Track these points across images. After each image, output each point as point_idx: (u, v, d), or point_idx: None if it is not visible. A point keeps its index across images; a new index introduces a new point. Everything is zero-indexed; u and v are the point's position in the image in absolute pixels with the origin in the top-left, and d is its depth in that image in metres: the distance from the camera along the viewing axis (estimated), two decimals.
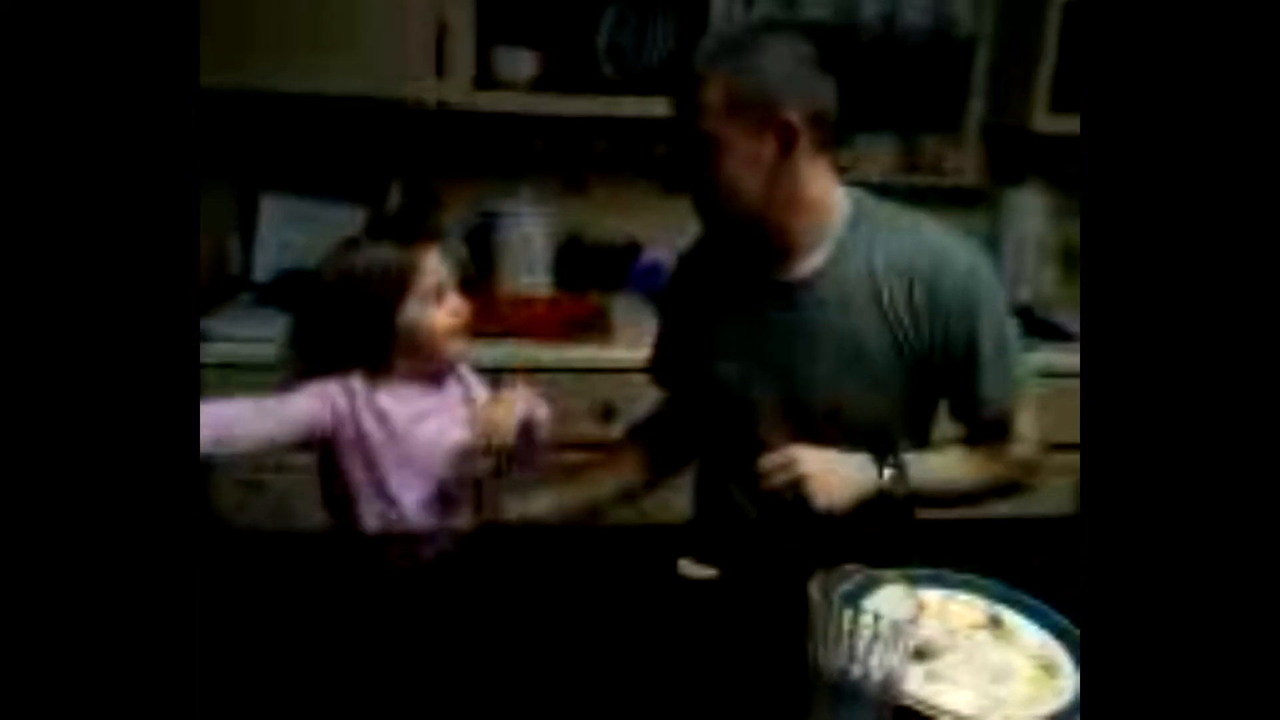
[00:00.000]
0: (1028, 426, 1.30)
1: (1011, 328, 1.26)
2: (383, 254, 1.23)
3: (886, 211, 1.26)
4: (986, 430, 1.28)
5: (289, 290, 2.02)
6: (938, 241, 1.22)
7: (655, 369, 1.48)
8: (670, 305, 1.46)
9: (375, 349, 1.23)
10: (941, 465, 1.26)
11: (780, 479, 1.14)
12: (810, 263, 1.23)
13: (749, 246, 1.26)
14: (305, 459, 1.33)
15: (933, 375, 1.25)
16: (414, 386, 1.27)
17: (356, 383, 1.24)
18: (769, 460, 1.16)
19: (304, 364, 1.25)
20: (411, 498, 1.25)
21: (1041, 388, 1.89)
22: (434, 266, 1.25)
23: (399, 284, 1.22)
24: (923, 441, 1.33)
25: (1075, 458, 2.23)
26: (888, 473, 1.18)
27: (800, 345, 1.25)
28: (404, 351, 1.24)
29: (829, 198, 1.23)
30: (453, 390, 1.32)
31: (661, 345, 1.47)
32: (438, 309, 1.24)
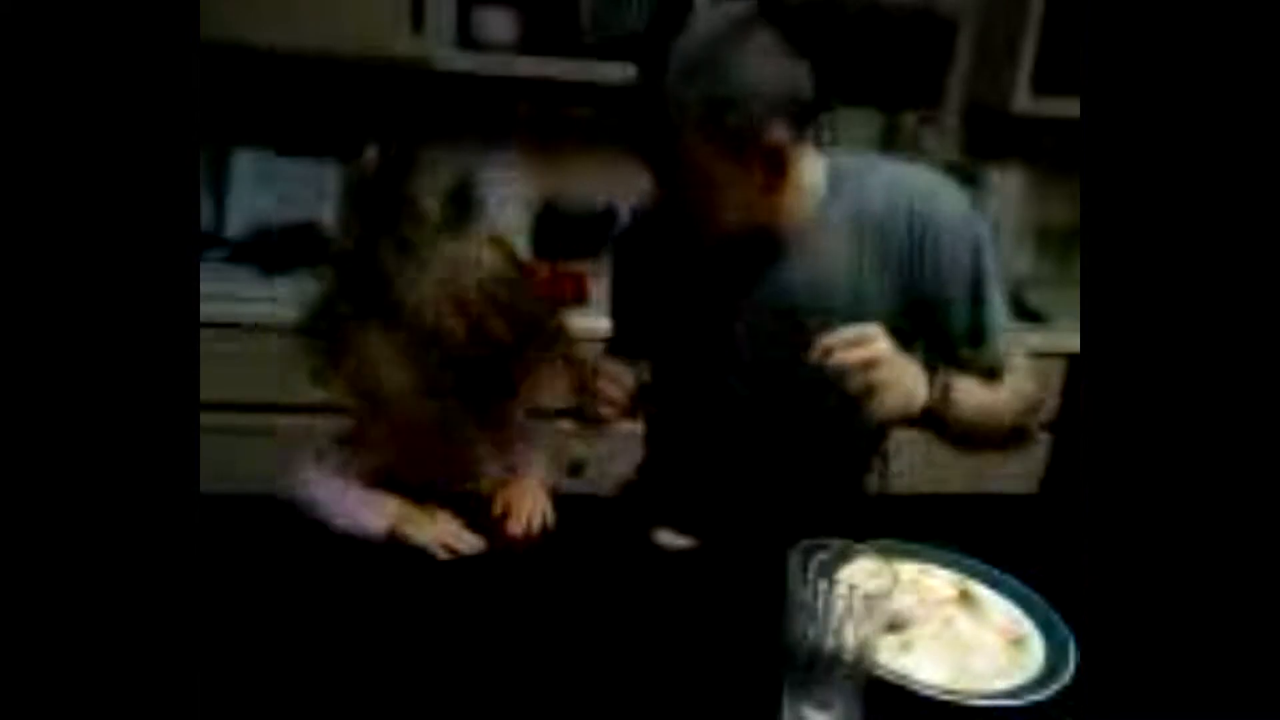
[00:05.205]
0: (1022, 374, 1.25)
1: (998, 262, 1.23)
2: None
3: (864, 161, 1.24)
4: (978, 370, 1.22)
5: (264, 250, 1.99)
6: (926, 180, 1.20)
7: (620, 347, 1.40)
8: (630, 270, 1.37)
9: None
10: (982, 393, 1.19)
11: (855, 356, 1.01)
12: (793, 225, 1.19)
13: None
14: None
15: (929, 310, 1.20)
16: None
17: None
18: (840, 333, 1.02)
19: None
20: None
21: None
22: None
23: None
24: None
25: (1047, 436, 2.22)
26: (940, 388, 1.11)
27: (791, 295, 1.20)
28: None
29: (812, 173, 1.20)
30: None
31: (624, 319, 1.40)
32: None
